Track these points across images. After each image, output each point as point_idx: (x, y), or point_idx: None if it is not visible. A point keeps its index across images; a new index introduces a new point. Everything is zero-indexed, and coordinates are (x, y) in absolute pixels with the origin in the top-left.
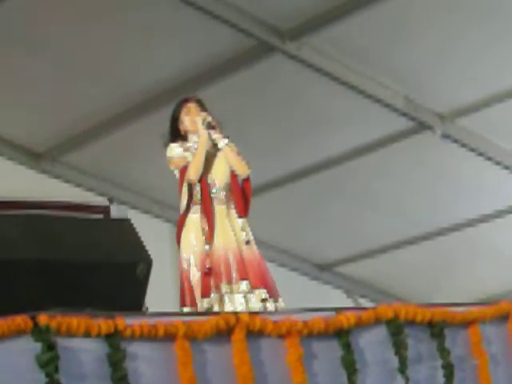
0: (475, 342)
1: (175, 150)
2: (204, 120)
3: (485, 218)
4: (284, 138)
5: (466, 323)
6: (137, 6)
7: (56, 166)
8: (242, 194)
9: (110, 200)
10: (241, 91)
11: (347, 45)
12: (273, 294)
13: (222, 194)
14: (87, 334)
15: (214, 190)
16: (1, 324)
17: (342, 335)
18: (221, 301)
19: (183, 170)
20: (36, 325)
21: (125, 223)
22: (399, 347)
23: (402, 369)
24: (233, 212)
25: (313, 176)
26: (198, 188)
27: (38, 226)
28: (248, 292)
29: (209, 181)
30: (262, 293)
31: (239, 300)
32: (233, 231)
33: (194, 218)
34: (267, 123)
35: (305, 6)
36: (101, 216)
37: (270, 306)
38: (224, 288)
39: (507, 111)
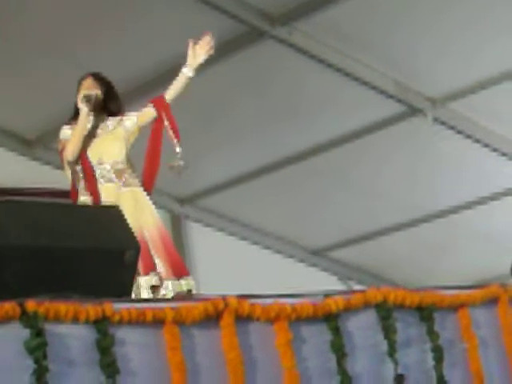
0: (465, 325)
1: (64, 132)
2: (84, 97)
3: (481, 201)
4: (275, 123)
5: (456, 306)
6: None
7: (48, 152)
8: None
9: None
10: (231, 77)
11: (338, 29)
12: (175, 274)
13: (111, 172)
14: (75, 320)
15: (101, 168)
16: None
17: (330, 319)
18: None
19: (61, 151)
20: (24, 311)
21: (113, 209)
22: (388, 331)
23: (392, 353)
24: (127, 193)
25: (304, 161)
26: (79, 167)
27: (24, 211)
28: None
29: (94, 158)
30: (153, 279)
31: None
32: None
33: (84, 200)
34: (258, 109)
35: None
36: None
37: (171, 287)
38: None
39: (498, 95)
